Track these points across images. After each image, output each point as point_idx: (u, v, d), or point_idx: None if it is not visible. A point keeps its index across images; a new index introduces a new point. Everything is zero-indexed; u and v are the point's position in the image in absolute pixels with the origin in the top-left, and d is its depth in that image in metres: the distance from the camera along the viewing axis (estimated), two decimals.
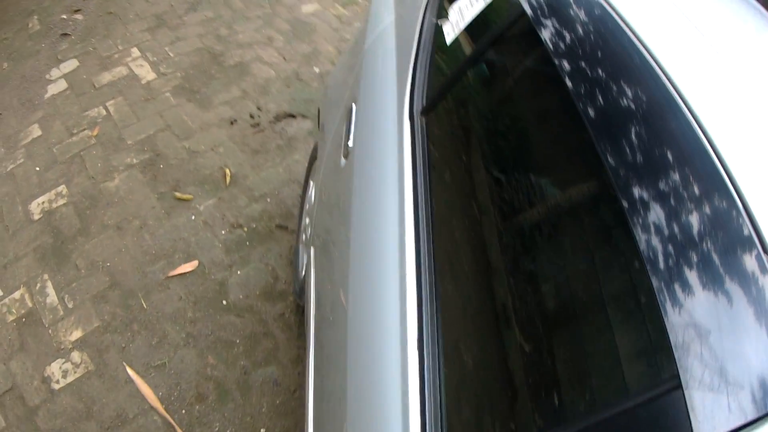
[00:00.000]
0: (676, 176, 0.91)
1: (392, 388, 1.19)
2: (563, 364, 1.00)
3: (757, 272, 0.76)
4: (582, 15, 1.26)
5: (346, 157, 1.84)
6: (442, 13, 1.83)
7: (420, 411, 1.13)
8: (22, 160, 3.36)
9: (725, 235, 0.82)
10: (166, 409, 2.43)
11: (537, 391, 1.02)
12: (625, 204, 0.93)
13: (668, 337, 0.78)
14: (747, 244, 0.79)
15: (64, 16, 4.40)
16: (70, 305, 2.72)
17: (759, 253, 0.78)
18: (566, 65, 1.18)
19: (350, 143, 1.84)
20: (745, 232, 0.80)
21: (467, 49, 1.68)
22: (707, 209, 0.85)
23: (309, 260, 2.13)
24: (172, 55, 4.06)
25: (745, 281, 0.77)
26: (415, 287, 1.29)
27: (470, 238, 1.35)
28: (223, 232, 3.04)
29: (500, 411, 1.08)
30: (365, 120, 1.83)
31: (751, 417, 0.69)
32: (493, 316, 1.20)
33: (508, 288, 1.18)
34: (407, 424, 1.13)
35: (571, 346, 1.02)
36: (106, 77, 3.87)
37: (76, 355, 2.57)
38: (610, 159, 0.99)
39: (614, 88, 1.08)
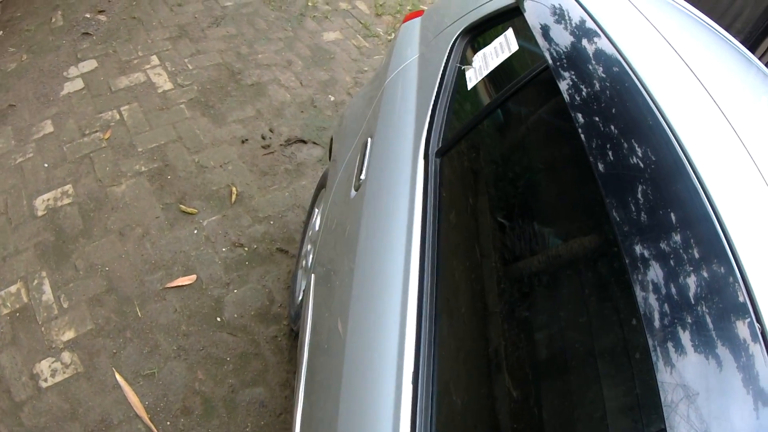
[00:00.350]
0: (678, 238, 0.94)
1: (384, 420, 1.21)
2: (552, 412, 1.02)
3: (748, 339, 0.79)
4: (600, 71, 1.30)
5: (357, 189, 1.86)
6: (466, 59, 1.87)
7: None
8: (31, 155, 3.38)
9: (721, 300, 0.84)
10: (151, 419, 2.43)
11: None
12: (627, 260, 0.95)
13: (658, 395, 0.80)
14: (741, 310, 0.82)
15: (88, 15, 4.43)
16: (65, 305, 2.73)
17: (752, 320, 0.81)
18: (582, 119, 1.22)
19: (363, 176, 1.85)
20: (740, 298, 0.83)
21: (487, 96, 1.71)
22: (705, 273, 0.88)
23: (308, 286, 2.13)
24: (191, 67, 4.09)
25: (736, 347, 0.80)
26: (414, 325, 1.31)
27: (473, 282, 1.37)
28: (224, 249, 3.06)
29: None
30: (380, 155, 1.85)
31: None
32: (487, 361, 1.21)
33: (505, 334, 1.20)
34: None
35: (560, 395, 1.04)
36: (124, 81, 3.90)
37: (66, 356, 2.57)
38: (616, 214, 1.02)
39: (626, 146, 1.11)
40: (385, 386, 1.26)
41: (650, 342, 0.85)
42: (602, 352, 0.99)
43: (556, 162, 1.40)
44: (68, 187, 3.22)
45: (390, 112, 2.02)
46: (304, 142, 3.72)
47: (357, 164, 1.96)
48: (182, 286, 2.87)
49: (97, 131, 3.54)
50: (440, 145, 1.67)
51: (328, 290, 1.84)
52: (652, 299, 0.89)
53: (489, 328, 1.26)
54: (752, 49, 3.73)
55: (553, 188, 1.36)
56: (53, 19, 4.37)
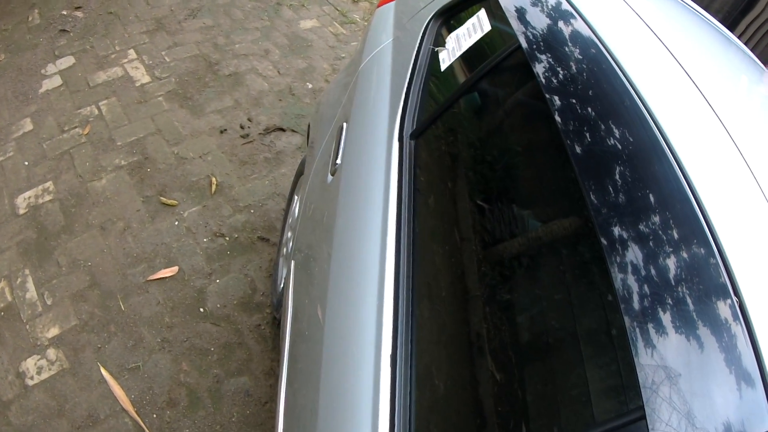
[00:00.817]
0: (657, 219, 0.92)
1: (363, 406, 1.19)
2: (532, 392, 1.01)
3: (729, 319, 0.78)
4: (577, 53, 1.27)
5: (333, 174, 1.84)
6: (440, 41, 1.85)
7: (389, 429, 1.13)
8: (11, 153, 3.33)
9: (700, 280, 0.83)
10: (137, 412, 2.41)
11: (504, 416, 1.03)
12: (604, 242, 0.94)
13: (636, 374, 0.79)
14: (721, 290, 0.81)
15: (65, 12, 4.36)
16: (49, 302, 2.70)
17: (732, 301, 0.79)
18: (557, 101, 1.19)
19: (338, 161, 1.83)
20: (720, 278, 0.82)
21: (460, 76, 1.69)
22: (684, 254, 0.87)
23: (288, 274, 2.11)
24: (168, 59, 4.04)
25: (716, 327, 0.78)
26: (392, 308, 1.29)
27: (449, 262, 1.36)
28: (205, 240, 3.02)
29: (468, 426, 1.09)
30: (355, 138, 1.83)
31: None
32: (466, 342, 1.20)
33: (482, 315, 1.19)
34: None
35: (540, 375, 1.03)
36: (101, 76, 3.84)
37: (51, 353, 2.54)
38: (593, 197, 1.00)
39: (602, 127, 1.09)
40: (364, 370, 1.25)
41: (627, 322, 0.83)
42: (582, 334, 0.97)
43: (530, 143, 1.37)
44: (49, 184, 3.17)
45: (365, 97, 2.00)
46: (283, 130, 3.68)
47: (333, 149, 1.94)
48: (164, 278, 2.84)
49: (76, 127, 3.49)
50: (414, 127, 1.65)
51: (307, 277, 1.82)
52: (630, 280, 0.87)
53: (466, 307, 1.25)
54: (731, 28, 3.69)
55: (526, 168, 1.34)
56: (30, 18, 4.30)
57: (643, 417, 0.76)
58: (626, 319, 0.84)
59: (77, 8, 4.42)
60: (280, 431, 1.67)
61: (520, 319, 1.12)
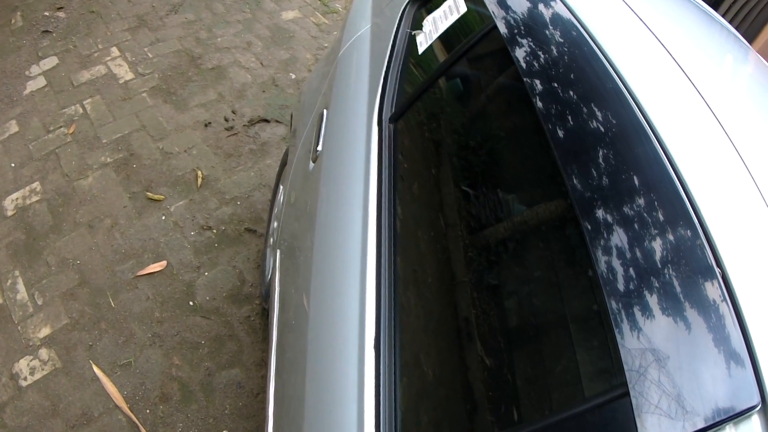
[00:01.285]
0: (641, 201, 0.89)
1: (349, 394, 1.18)
2: (517, 373, 0.99)
3: (717, 300, 0.76)
4: (557, 36, 1.24)
5: (314, 161, 1.81)
6: (417, 25, 1.82)
7: (375, 415, 1.12)
8: None
9: (686, 261, 0.81)
10: (130, 409, 2.37)
11: (490, 397, 1.02)
12: (586, 225, 0.91)
13: (621, 354, 0.77)
14: (707, 271, 0.79)
15: (47, 13, 4.28)
16: (39, 302, 2.65)
17: (718, 280, 0.78)
18: (537, 84, 1.16)
19: (320, 147, 1.81)
20: (705, 259, 0.80)
21: (438, 59, 1.67)
22: (671, 236, 0.84)
23: (275, 264, 2.09)
24: (151, 56, 3.97)
25: (703, 306, 0.77)
26: (374, 295, 1.27)
27: (431, 246, 1.33)
28: (192, 233, 2.97)
29: (455, 415, 1.08)
30: (335, 125, 1.81)
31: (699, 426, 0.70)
32: (450, 326, 1.19)
33: (467, 300, 1.17)
34: (362, 429, 1.11)
35: (526, 359, 1.01)
36: (85, 75, 3.78)
37: (44, 352, 2.49)
38: (574, 180, 0.97)
39: (584, 110, 1.06)
40: (348, 358, 1.23)
41: (611, 304, 0.82)
42: (569, 317, 0.95)
43: (509, 125, 1.34)
44: (36, 185, 3.12)
45: (344, 83, 1.97)
46: (267, 121, 3.62)
47: (314, 137, 1.91)
48: (153, 273, 2.79)
49: (61, 127, 3.43)
50: (393, 111, 1.62)
51: (293, 266, 1.79)
52: (613, 263, 0.85)
53: (448, 291, 1.23)
54: (714, 7, 3.62)
55: (506, 151, 1.31)
56: (13, 21, 4.22)
57: (627, 394, 0.74)
58: (611, 300, 0.82)
59: (59, 9, 4.34)
60: (270, 421, 1.66)
61: (506, 304, 1.10)
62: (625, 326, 0.79)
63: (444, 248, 1.29)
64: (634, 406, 0.73)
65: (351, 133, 1.68)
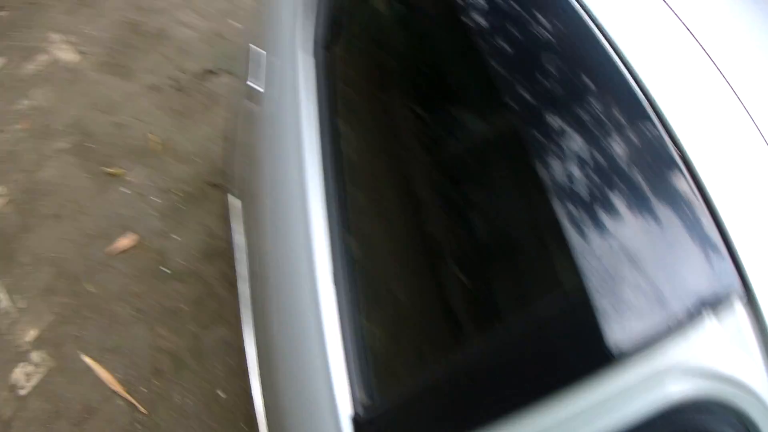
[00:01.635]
0: (593, 101, 0.84)
1: (312, 331, 1.16)
2: (476, 286, 0.97)
3: (685, 189, 0.73)
4: None
5: (256, 103, 1.76)
6: None
7: (342, 343, 1.11)
8: None
9: (648, 155, 0.77)
10: (127, 391, 2.31)
11: (450, 314, 1.01)
12: (538, 135, 0.86)
13: (577, 253, 0.73)
14: (670, 162, 0.75)
15: None
16: (21, 305, 2.56)
17: (685, 175, 0.74)
18: None
19: (260, 89, 1.74)
20: (668, 150, 0.77)
21: None
22: (629, 132, 0.79)
23: (238, 215, 2.05)
24: (93, 33, 3.81)
25: (667, 197, 0.73)
26: (326, 229, 1.24)
27: (375, 168, 1.33)
28: (156, 200, 2.87)
29: (414, 329, 1.10)
30: (270, 61, 1.73)
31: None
32: (406, 248, 1.19)
33: (419, 218, 1.16)
34: (327, 366, 1.09)
35: (484, 271, 0.98)
36: (31, 68, 3.63)
37: (35, 356, 2.42)
38: (522, 91, 0.91)
39: (528, 18, 0.98)
40: (305, 294, 1.21)
41: (571, 209, 0.77)
42: (527, 227, 0.92)
43: (451, 40, 1.23)
44: (0, 188, 3.01)
45: (275, 17, 1.88)
46: (215, 73, 3.48)
47: (255, 79, 1.83)
48: (124, 248, 2.70)
49: (14, 124, 3.31)
50: (328, 38, 1.56)
51: (252, 213, 1.75)
52: (565, 170, 0.80)
53: (402, 215, 1.23)
54: None
55: (447, 63, 1.24)
56: None
57: (588, 297, 0.70)
58: (566, 203, 0.78)
59: (0, 9, 4.18)
60: (251, 373, 1.70)
61: (461, 219, 1.07)
62: (587, 226, 0.75)
63: (395, 171, 1.27)
64: (597, 310, 0.68)
65: (286, 68, 1.60)
